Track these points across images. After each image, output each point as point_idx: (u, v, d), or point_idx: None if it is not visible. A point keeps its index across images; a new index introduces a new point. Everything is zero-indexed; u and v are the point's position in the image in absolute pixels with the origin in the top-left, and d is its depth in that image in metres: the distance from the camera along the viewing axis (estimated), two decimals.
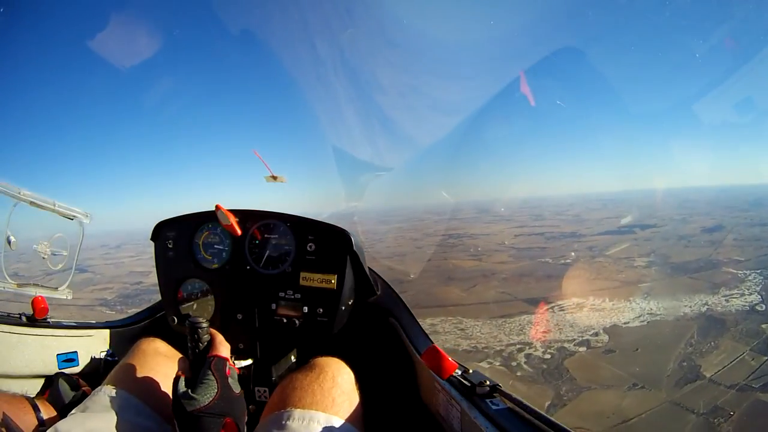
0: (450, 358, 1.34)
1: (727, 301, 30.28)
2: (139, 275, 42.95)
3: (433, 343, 1.56)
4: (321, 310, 1.79)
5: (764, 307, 28.47)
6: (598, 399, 22.26)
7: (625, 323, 29.31)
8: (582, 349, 27.02)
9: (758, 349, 23.77)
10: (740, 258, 38.85)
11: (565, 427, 0.98)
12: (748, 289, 31.50)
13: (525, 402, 1.12)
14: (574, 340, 27.94)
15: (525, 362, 26.14)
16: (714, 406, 20.54)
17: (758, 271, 34.52)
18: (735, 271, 35.53)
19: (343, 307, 1.81)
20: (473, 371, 1.34)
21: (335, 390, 1.27)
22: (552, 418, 1.03)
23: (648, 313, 30.08)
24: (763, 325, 25.93)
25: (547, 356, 26.69)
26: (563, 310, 32.47)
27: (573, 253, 47.72)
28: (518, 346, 27.86)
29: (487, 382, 1.25)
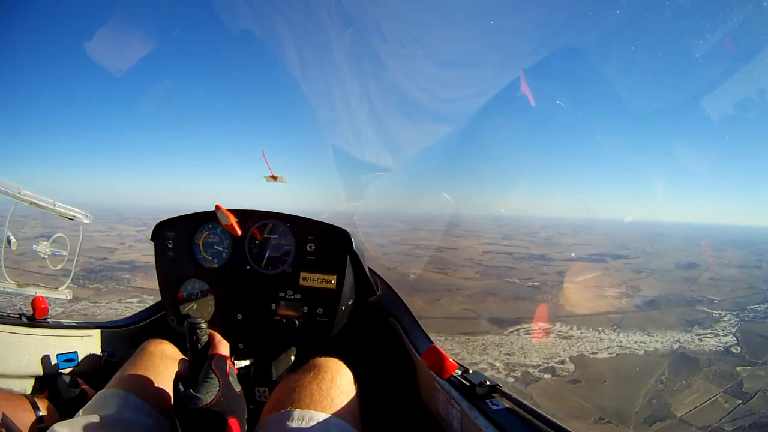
0: (450, 359, 1.37)
1: (700, 340, 31.11)
2: (106, 251, 43.36)
3: (433, 343, 1.65)
4: (321, 310, 1.83)
5: (739, 349, 29.41)
6: None
7: (592, 353, 29.66)
8: (547, 376, 27.04)
9: (732, 391, 24.35)
10: (715, 298, 40.40)
11: (564, 427, 1.02)
12: (722, 330, 32.56)
13: (525, 402, 1.16)
14: (539, 366, 27.99)
15: None
16: None
17: (734, 313, 35.94)
18: (710, 311, 36.75)
19: (343, 307, 1.86)
20: (473, 371, 1.37)
21: (334, 390, 1.32)
22: (552, 418, 1.06)
23: (617, 345, 30.59)
24: (738, 368, 26.76)
25: (511, 379, 26.66)
26: (528, 333, 32.61)
27: (541, 276, 48.47)
28: (480, 366, 27.31)
29: (487, 383, 1.28)
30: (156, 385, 1.39)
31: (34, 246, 2.18)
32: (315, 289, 1.83)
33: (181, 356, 1.59)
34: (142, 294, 31.21)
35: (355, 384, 1.41)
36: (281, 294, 1.85)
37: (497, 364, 28.16)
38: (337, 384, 1.33)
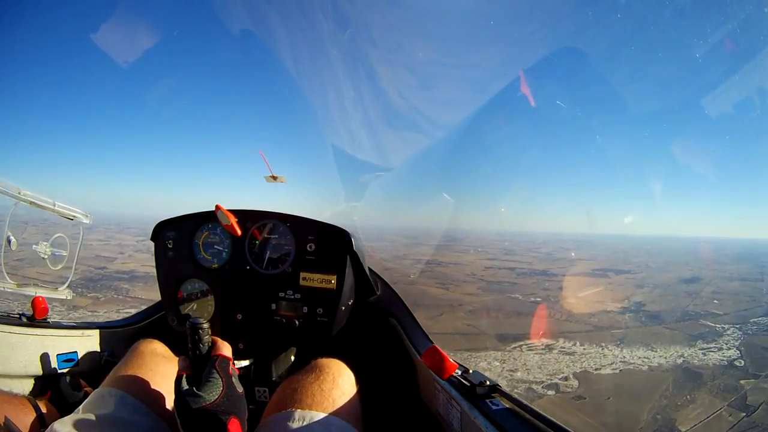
0: (450, 359, 1.39)
1: (704, 354, 31.19)
2: (105, 260, 43.74)
3: (433, 343, 1.68)
4: (321, 310, 1.84)
5: (743, 362, 29.54)
6: None
7: (596, 370, 29.58)
8: (551, 392, 26.97)
9: (736, 404, 24.42)
10: (718, 311, 40.54)
11: (564, 426, 1.03)
12: (726, 344, 32.68)
13: (524, 402, 1.18)
14: (543, 382, 27.96)
15: None
16: None
17: (737, 326, 36.10)
18: (713, 325, 36.88)
19: (343, 308, 1.87)
20: (473, 371, 1.39)
21: (336, 391, 1.34)
22: (552, 418, 1.07)
23: (621, 361, 30.54)
24: (742, 381, 26.83)
25: (514, 396, 26.30)
26: (531, 350, 32.52)
27: (544, 292, 48.48)
28: None
29: (487, 383, 1.29)
30: (151, 385, 1.41)
31: (34, 246, 2.20)
32: (315, 289, 1.85)
33: (172, 354, 1.67)
34: (140, 304, 30.41)
35: (356, 385, 1.43)
36: (281, 294, 1.87)
37: (500, 380, 27.82)
38: (338, 385, 1.36)
